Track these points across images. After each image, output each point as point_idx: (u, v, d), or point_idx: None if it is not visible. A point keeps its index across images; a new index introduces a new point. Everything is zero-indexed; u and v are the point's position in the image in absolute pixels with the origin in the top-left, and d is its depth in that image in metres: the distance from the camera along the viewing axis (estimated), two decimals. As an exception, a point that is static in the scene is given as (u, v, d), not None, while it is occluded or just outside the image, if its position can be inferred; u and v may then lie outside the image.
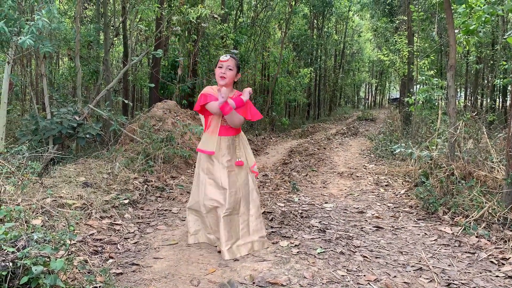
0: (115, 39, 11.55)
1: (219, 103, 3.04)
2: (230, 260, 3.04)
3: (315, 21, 21.43)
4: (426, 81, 7.93)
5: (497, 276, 2.84)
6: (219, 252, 3.15)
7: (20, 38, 4.43)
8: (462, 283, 2.71)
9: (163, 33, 8.74)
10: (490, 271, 2.92)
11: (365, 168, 7.23)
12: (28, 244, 2.26)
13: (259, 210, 3.38)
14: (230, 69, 3.24)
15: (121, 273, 2.75)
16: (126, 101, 8.36)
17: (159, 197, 4.85)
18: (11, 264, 2.09)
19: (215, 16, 9.74)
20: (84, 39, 10.08)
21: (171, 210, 4.36)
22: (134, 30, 9.19)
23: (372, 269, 2.92)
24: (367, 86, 44.37)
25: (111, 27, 9.83)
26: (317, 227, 3.87)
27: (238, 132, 3.37)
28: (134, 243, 3.36)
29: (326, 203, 4.85)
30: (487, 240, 3.50)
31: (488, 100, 15.20)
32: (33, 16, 4.87)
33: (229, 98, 3.18)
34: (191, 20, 8.13)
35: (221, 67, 3.25)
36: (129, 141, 6.39)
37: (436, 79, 7.96)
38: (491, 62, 13.94)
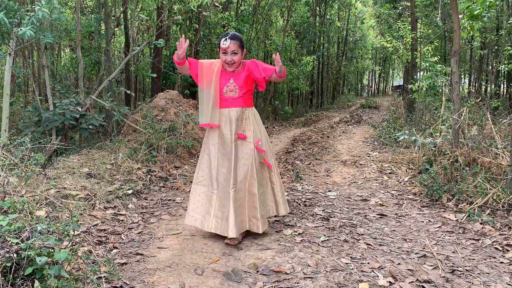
0: (116, 29, 11.49)
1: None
2: (235, 236, 3.01)
3: (318, 8, 21.20)
4: (430, 68, 7.84)
5: (501, 262, 2.84)
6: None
7: (20, 29, 4.41)
8: (467, 270, 2.70)
9: (164, 23, 8.68)
10: (495, 258, 2.91)
11: (368, 156, 7.21)
12: (32, 235, 2.27)
13: (262, 188, 3.24)
14: (235, 53, 3.14)
15: (125, 263, 2.76)
16: (128, 92, 8.33)
17: (163, 187, 4.86)
18: (15, 255, 2.10)
19: (216, 4, 9.62)
20: (85, 30, 10.03)
21: (174, 200, 4.37)
22: (135, 20, 9.12)
23: (376, 256, 2.92)
24: (370, 73, 44.07)
25: (112, 17, 9.77)
26: (321, 215, 3.87)
27: (246, 105, 3.25)
28: (138, 233, 3.37)
29: (329, 191, 4.85)
30: (492, 226, 3.49)
31: (493, 86, 15.05)
32: (33, 6, 4.83)
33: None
34: (192, 9, 8.06)
35: (225, 53, 3.14)
36: (132, 131, 6.40)
37: (440, 65, 7.87)
38: (496, 47, 13.77)
